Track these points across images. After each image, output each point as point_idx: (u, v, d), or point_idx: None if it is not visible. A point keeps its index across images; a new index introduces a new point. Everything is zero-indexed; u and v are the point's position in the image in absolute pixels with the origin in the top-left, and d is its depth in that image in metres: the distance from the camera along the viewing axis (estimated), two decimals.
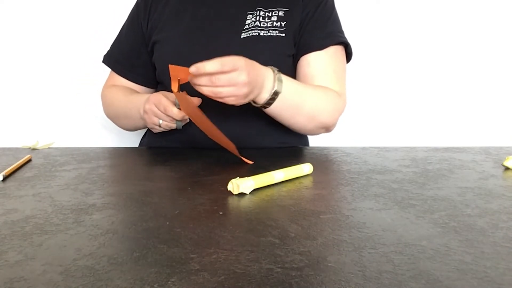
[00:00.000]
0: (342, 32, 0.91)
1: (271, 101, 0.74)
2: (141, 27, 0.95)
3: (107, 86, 0.99)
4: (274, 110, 0.77)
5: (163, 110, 0.75)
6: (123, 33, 0.99)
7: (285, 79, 0.76)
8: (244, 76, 0.64)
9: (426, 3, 1.25)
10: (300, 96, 0.79)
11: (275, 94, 0.73)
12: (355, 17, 1.23)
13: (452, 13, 1.24)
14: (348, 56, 0.92)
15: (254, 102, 0.75)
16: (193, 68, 0.62)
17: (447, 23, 1.25)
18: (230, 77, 0.63)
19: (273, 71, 0.75)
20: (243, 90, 0.65)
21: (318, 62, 0.86)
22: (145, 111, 0.79)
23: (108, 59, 0.99)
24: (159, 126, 0.79)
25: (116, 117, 0.98)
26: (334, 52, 0.87)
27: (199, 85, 0.65)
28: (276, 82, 0.73)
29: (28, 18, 1.25)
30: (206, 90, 0.65)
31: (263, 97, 0.74)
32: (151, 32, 0.94)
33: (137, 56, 0.97)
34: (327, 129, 0.88)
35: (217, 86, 0.64)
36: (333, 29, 0.89)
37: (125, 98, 0.91)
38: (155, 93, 0.79)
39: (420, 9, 1.25)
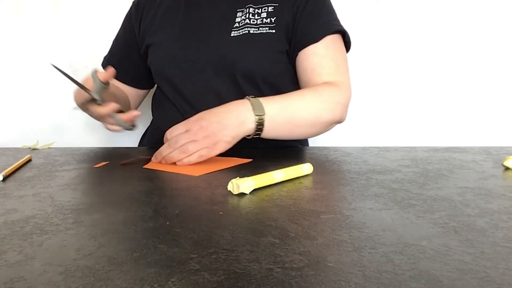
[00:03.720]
0: (337, 20, 0.89)
1: (260, 127, 0.74)
2: (133, 30, 0.96)
3: None
4: (269, 133, 0.76)
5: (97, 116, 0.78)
6: (117, 35, 1.02)
7: (266, 101, 0.75)
8: (196, 128, 0.69)
9: (425, 3, 1.24)
10: (290, 109, 0.77)
11: (260, 119, 0.73)
12: (354, 17, 1.23)
13: (452, 12, 1.24)
14: (347, 44, 0.90)
15: (247, 136, 0.75)
16: (154, 159, 0.73)
17: (447, 22, 1.25)
18: (184, 137, 0.69)
19: (249, 100, 0.74)
20: (207, 142, 0.69)
21: (316, 55, 0.85)
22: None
23: (104, 61, 1.02)
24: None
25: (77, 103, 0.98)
26: (331, 41, 0.86)
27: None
28: (255, 109, 0.73)
29: (28, 18, 1.25)
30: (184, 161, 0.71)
31: (250, 128, 0.73)
32: (144, 35, 0.94)
33: (127, 57, 0.98)
34: (337, 122, 0.86)
35: (184, 146, 0.69)
36: (327, 18, 0.87)
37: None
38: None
39: (419, 9, 1.25)
